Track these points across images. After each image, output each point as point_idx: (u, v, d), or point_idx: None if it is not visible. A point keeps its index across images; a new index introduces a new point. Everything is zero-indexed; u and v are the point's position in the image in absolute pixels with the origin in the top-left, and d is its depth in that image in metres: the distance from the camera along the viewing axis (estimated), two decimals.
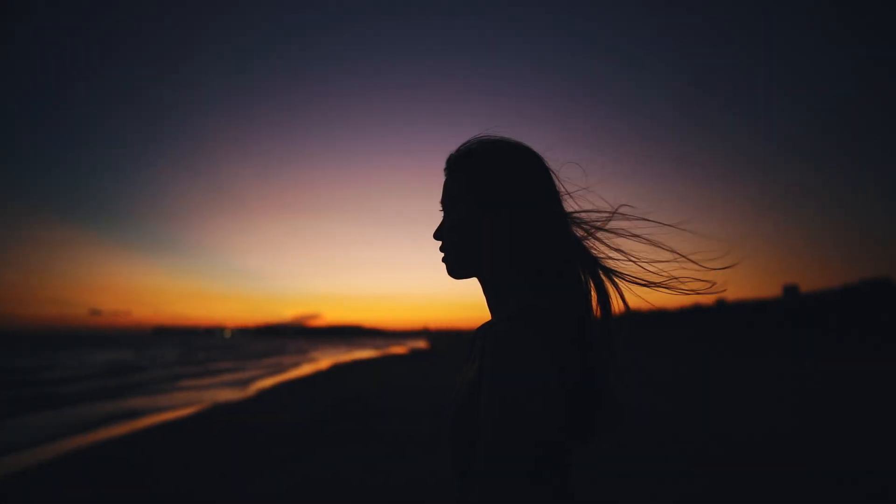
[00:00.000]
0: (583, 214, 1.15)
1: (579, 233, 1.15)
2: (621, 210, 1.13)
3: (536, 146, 1.16)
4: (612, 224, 1.14)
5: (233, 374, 29.93)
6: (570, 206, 1.16)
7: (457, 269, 1.15)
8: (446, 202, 1.17)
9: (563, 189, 1.15)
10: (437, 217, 1.19)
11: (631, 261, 1.12)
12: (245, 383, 23.37)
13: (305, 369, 32.53)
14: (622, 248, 1.13)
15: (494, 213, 1.10)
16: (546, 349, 0.92)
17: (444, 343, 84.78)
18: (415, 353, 52.47)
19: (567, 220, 1.14)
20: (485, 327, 1.15)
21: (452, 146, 1.19)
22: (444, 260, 1.16)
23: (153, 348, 78.55)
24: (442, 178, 1.20)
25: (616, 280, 1.12)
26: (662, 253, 1.10)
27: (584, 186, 1.15)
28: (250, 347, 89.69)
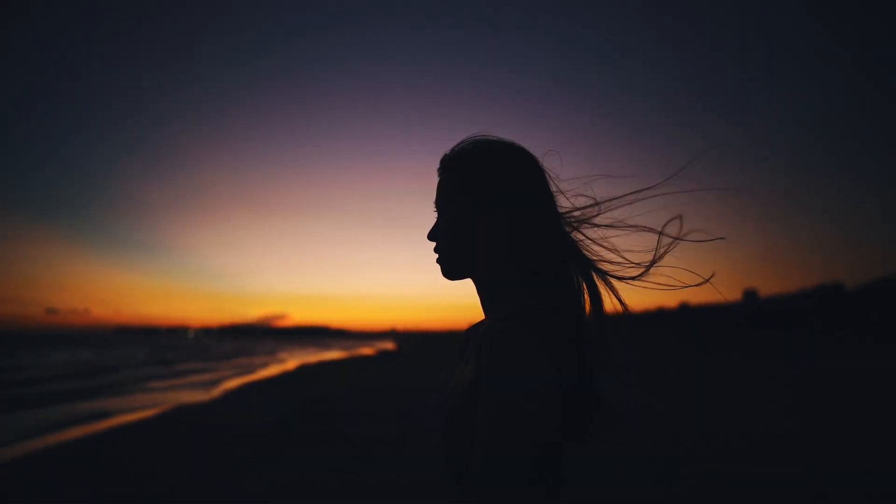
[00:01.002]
0: (576, 214, 1.15)
1: (573, 233, 1.15)
2: (605, 204, 1.12)
3: (530, 147, 1.16)
4: (602, 218, 1.13)
5: (200, 374, 29.43)
6: (562, 206, 1.16)
7: (452, 270, 1.14)
8: (440, 203, 1.16)
9: (556, 188, 1.14)
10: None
11: (618, 253, 1.11)
12: (212, 384, 22.98)
13: (272, 370, 32.13)
14: (606, 245, 1.12)
15: (490, 213, 1.09)
16: (543, 349, 0.92)
17: (411, 344, 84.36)
18: (382, 354, 52.13)
19: (562, 220, 1.14)
20: (478, 327, 1.16)
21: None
22: (438, 261, 1.15)
23: (116, 349, 76.63)
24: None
25: (610, 280, 1.12)
26: (650, 242, 1.08)
27: (575, 187, 1.15)
28: (217, 348, 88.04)
